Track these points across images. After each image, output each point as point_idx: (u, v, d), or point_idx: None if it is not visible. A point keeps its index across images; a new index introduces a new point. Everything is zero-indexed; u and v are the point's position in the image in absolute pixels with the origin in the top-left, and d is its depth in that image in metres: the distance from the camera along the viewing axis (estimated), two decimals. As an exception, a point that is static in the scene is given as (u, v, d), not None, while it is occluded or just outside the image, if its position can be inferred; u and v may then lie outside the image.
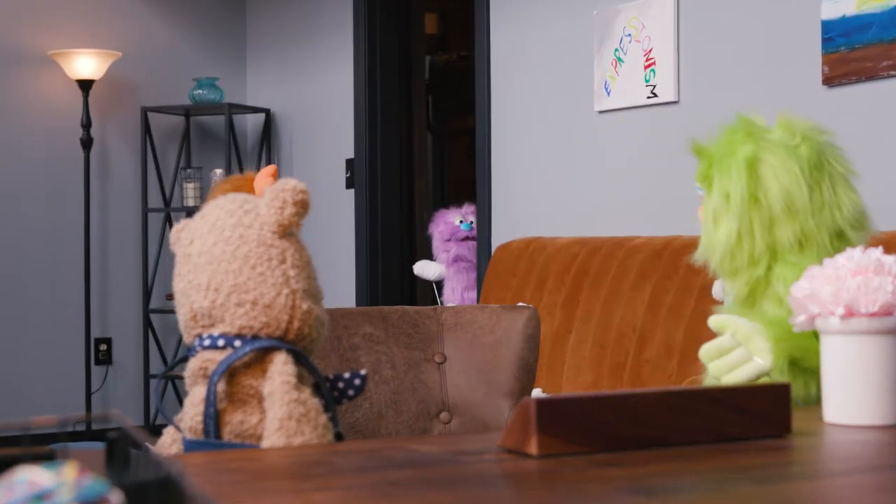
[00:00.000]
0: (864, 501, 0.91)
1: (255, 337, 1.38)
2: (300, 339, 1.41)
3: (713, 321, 1.43)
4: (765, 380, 1.37)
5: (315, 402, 1.35)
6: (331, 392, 1.43)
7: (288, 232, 1.43)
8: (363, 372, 1.46)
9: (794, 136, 1.54)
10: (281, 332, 1.39)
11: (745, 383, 1.35)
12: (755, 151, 1.50)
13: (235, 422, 1.36)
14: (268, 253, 1.40)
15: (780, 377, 1.39)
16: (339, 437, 1.41)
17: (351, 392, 1.45)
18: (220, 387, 1.36)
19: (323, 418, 1.35)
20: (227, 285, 1.39)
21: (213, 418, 1.36)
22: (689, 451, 1.10)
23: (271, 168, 1.85)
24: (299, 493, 0.94)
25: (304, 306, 1.41)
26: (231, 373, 1.37)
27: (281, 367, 1.35)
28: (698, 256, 1.55)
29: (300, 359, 1.40)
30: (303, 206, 1.41)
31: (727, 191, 1.49)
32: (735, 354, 1.39)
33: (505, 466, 1.05)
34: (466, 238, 4.51)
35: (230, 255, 1.40)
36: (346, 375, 1.45)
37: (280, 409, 1.32)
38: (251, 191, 1.89)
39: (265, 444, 1.32)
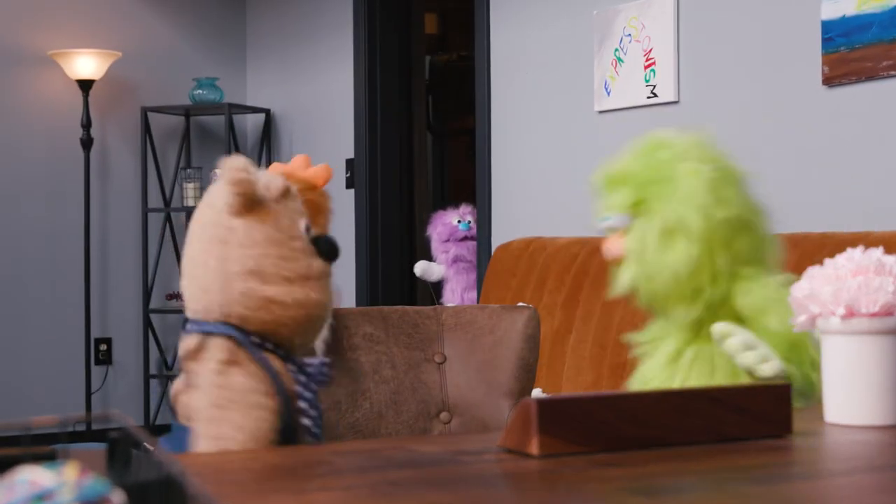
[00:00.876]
0: (864, 501, 0.91)
1: (205, 320, 1.37)
2: (246, 322, 1.36)
3: (719, 327, 1.40)
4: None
5: (245, 385, 1.31)
6: (297, 374, 1.39)
7: (243, 210, 1.37)
8: (322, 360, 1.43)
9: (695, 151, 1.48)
10: (220, 314, 1.36)
11: (770, 377, 1.34)
12: (704, 169, 1.41)
13: (184, 405, 1.37)
14: (212, 232, 1.38)
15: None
16: (317, 419, 1.37)
17: (321, 379, 1.40)
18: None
19: (257, 400, 1.31)
20: (185, 265, 1.42)
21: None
22: (690, 451, 1.10)
23: (301, 158, 1.87)
24: (300, 493, 0.94)
25: (241, 287, 1.36)
26: (184, 357, 1.38)
27: (209, 353, 1.34)
28: (628, 286, 1.42)
29: (243, 343, 1.35)
30: (236, 185, 1.36)
31: (680, 213, 1.39)
32: (764, 349, 1.38)
33: (505, 466, 1.05)
34: (465, 238, 4.51)
35: (191, 233, 1.42)
36: (313, 361, 1.41)
37: (203, 398, 1.32)
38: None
39: (198, 432, 1.32)
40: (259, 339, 1.38)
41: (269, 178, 1.43)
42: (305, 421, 1.36)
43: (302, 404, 1.36)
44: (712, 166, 1.38)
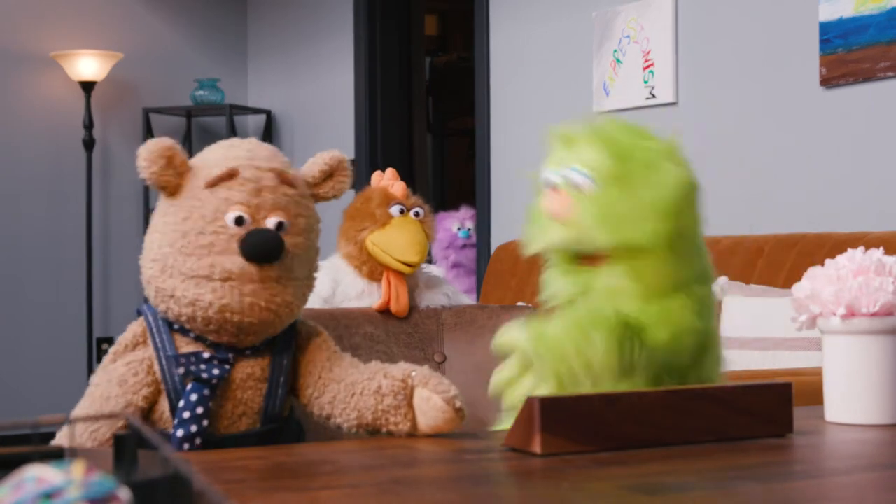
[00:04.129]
0: (865, 500, 0.92)
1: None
2: (163, 312, 1.31)
3: (498, 344, 1.29)
4: None
5: (109, 375, 1.30)
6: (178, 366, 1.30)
7: (164, 193, 1.32)
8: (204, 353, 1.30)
9: None
10: (152, 302, 1.34)
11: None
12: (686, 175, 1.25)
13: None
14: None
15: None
16: (186, 423, 1.28)
17: (206, 375, 1.29)
18: None
19: (112, 391, 1.28)
20: None
21: None
22: (692, 450, 1.10)
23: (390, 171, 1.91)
24: (305, 492, 0.95)
25: (147, 274, 1.32)
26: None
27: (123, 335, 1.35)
28: (553, 245, 1.26)
29: (151, 328, 1.32)
30: (143, 169, 1.30)
31: (660, 198, 1.22)
32: (523, 387, 1.26)
33: (509, 465, 1.06)
34: (465, 246, 4.53)
35: None
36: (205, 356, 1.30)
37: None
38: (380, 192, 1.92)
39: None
40: (181, 327, 1.32)
41: (212, 161, 1.33)
42: (180, 403, 1.28)
43: (181, 403, 1.28)
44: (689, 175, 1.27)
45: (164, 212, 1.32)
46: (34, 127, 5.23)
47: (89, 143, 5.18)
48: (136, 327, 1.35)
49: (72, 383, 5.23)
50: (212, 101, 5.41)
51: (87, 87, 5.15)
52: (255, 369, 1.32)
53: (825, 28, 3.19)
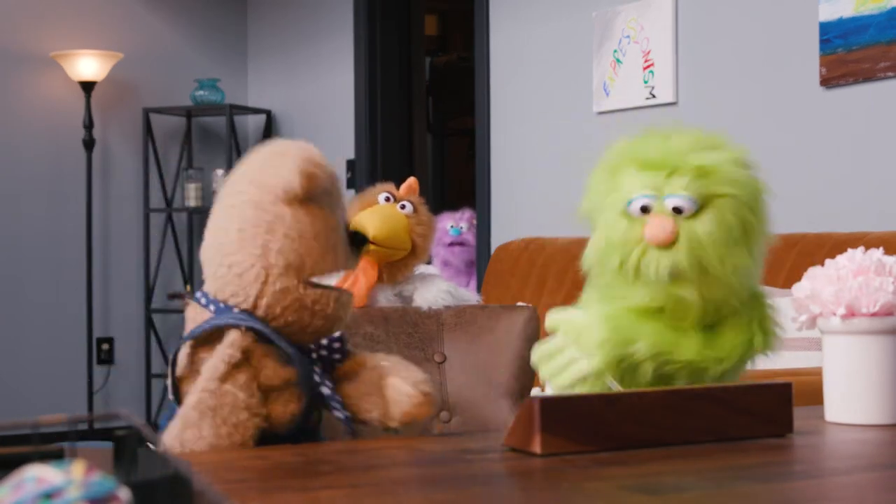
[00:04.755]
0: (865, 500, 0.92)
1: (226, 304, 1.31)
2: (273, 318, 1.30)
3: (549, 321, 1.31)
4: (592, 381, 1.24)
5: (236, 398, 1.24)
6: (310, 366, 1.32)
7: (297, 200, 1.30)
8: (338, 334, 1.35)
9: None
10: (249, 305, 1.30)
11: (570, 386, 1.28)
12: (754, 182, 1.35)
13: (185, 393, 1.29)
14: (257, 218, 1.30)
15: (610, 374, 1.25)
16: (347, 421, 1.31)
17: (337, 356, 1.34)
18: (182, 354, 1.31)
19: (240, 417, 1.24)
20: (215, 241, 1.33)
21: (174, 385, 1.31)
22: (692, 450, 1.10)
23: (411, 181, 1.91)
24: (306, 492, 0.95)
25: (278, 285, 1.29)
26: (196, 340, 1.31)
27: (222, 348, 1.26)
28: (671, 274, 1.25)
29: (264, 339, 1.29)
30: (308, 179, 1.29)
31: (747, 219, 1.28)
32: (563, 357, 1.28)
33: (509, 465, 1.06)
34: (453, 244, 4.51)
35: (228, 208, 1.33)
36: (324, 342, 1.34)
37: (191, 395, 1.26)
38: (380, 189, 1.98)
39: (171, 427, 1.26)
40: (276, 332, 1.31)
41: (331, 169, 1.36)
42: (336, 413, 1.31)
43: (325, 391, 1.31)
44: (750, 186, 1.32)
45: (295, 217, 1.33)
46: (34, 127, 5.23)
47: (89, 143, 5.18)
48: (240, 342, 1.28)
49: (72, 383, 5.23)
50: (212, 101, 5.41)
51: (87, 87, 5.15)
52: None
53: (825, 28, 3.19)
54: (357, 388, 1.35)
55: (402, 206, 2.09)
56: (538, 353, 1.31)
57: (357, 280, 2.03)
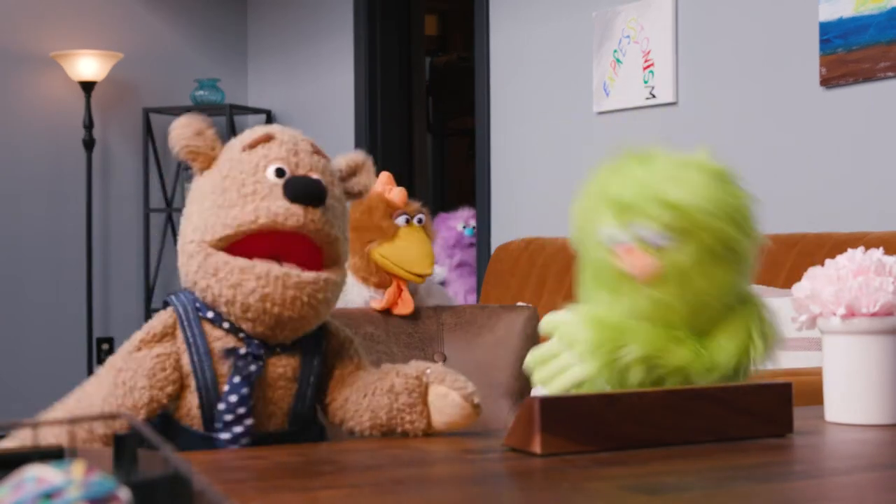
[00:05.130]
0: (865, 500, 0.92)
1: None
2: (207, 298, 1.26)
3: (543, 325, 1.31)
4: (587, 386, 1.25)
5: (141, 365, 1.25)
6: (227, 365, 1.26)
7: (195, 163, 1.29)
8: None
9: None
10: (187, 284, 1.29)
11: (565, 391, 1.28)
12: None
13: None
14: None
15: (603, 381, 1.26)
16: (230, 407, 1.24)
17: (252, 367, 1.25)
18: None
19: (139, 383, 1.24)
20: None
21: None
22: (692, 450, 1.10)
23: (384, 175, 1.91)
24: (305, 492, 0.95)
25: (189, 249, 1.26)
26: None
27: (150, 321, 1.30)
28: (655, 306, 1.28)
29: (181, 317, 1.27)
30: (173, 145, 1.29)
31: (729, 237, 1.29)
32: (557, 362, 1.28)
33: (509, 465, 1.06)
34: (471, 244, 4.54)
35: None
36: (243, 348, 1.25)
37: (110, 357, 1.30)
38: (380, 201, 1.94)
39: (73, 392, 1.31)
40: (216, 313, 1.26)
41: (244, 135, 1.32)
42: (220, 406, 1.24)
43: (226, 387, 1.25)
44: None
45: (199, 184, 1.29)
46: (34, 127, 5.23)
47: (89, 143, 5.18)
48: (165, 317, 1.29)
49: (72, 383, 5.21)
50: (212, 101, 5.41)
51: (87, 87, 5.15)
52: (286, 369, 1.28)
53: (825, 28, 3.19)
54: (396, 399, 1.27)
55: (420, 221, 2.09)
56: (531, 358, 1.31)
57: (402, 301, 2.05)
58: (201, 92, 5.41)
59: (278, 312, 1.23)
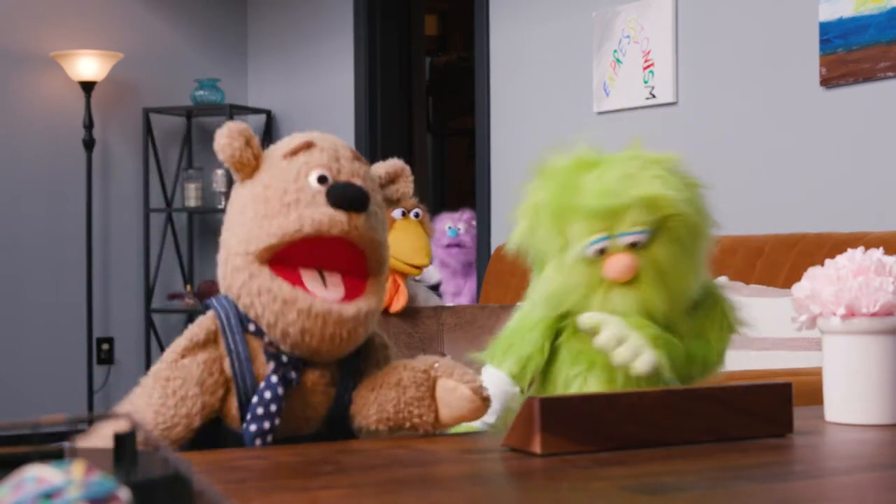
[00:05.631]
0: (865, 500, 0.92)
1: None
2: (246, 308, 1.26)
3: (588, 318, 1.32)
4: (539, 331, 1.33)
5: (189, 372, 1.25)
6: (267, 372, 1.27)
7: (243, 176, 1.28)
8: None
9: None
10: (230, 293, 1.28)
11: (644, 373, 1.29)
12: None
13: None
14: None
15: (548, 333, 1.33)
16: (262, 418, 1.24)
17: (292, 375, 1.26)
18: None
19: (190, 391, 1.24)
20: None
21: None
22: (692, 450, 1.10)
23: None
24: (306, 492, 0.95)
25: (233, 262, 1.26)
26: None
27: (190, 327, 1.29)
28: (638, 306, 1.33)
29: (223, 324, 1.27)
30: (220, 153, 1.28)
31: (699, 231, 1.36)
32: (635, 339, 1.29)
33: (509, 465, 1.06)
34: (450, 245, 4.50)
35: None
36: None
37: (153, 366, 1.29)
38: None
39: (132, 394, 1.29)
40: (258, 327, 1.27)
41: (284, 142, 1.31)
42: (254, 399, 1.25)
43: (255, 399, 1.25)
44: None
45: (241, 193, 1.29)
46: (34, 127, 5.23)
47: (89, 143, 5.18)
48: (207, 323, 1.29)
49: (72, 383, 5.24)
50: (212, 101, 5.41)
51: (87, 87, 5.15)
52: (325, 375, 1.29)
53: (825, 28, 3.19)
54: (404, 392, 1.27)
55: (416, 215, 2.09)
56: (607, 340, 1.31)
57: (398, 295, 2.04)
58: (201, 92, 5.41)
59: (317, 346, 1.24)
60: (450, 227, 4.51)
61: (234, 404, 1.28)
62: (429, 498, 0.92)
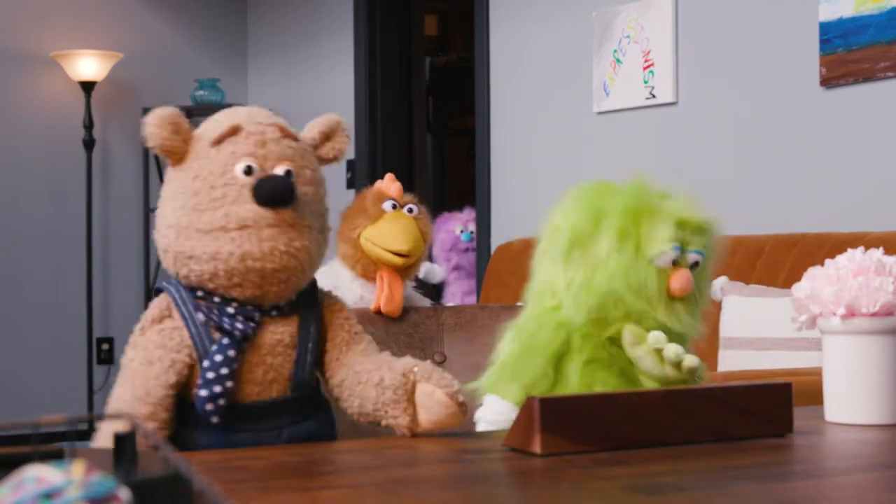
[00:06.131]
0: (864, 500, 0.92)
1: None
2: (184, 277, 1.31)
3: (657, 342, 1.33)
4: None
5: (145, 342, 1.29)
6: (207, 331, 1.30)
7: (171, 162, 1.33)
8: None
9: None
10: (172, 273, 1.34)
11: (695, 367, 1.31)
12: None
13: None
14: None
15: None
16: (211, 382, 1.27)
17: (239, 328, 1.29)
18: None
19: (155, 353, 1.27)
20: None
21: None
22: (691, 450, 1.10)
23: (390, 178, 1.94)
24: (305, 492, 0.95)
25: (163, 244, 1.32)
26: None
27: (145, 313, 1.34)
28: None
29: (176, 301, 1.31)
30: (147, 140, 1.32)
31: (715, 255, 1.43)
32: (675, 345, 1.32)
33: (509, 465, 1.06)
34: (467, 249, 4.54)
35: None
36: (228, 309, 1.30)
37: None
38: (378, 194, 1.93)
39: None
40: (206, 293, 1.30)
41: (213, 125, 1.35)
42: (204, 363, 1.27)
43: (205, 363, 1.27)
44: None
45: (173, 178, 1.33)
46: (34, 127, 5.23)
47: (89, 143, 5.18)
48: (160, 303, 1.33)
49: (72, 383, 5.23)
50: (212, 101, 5.41)
51: (87, 87, 5.15)
52: (283, 335, 1.32)
53: (825, 28, 3.19)
54: (382, 393, 1.29)
55: (410, 210, 2.09)
56: (657, 335, 1.32)
57: (392, 292, 2.03)
58: (201, 92, 5.41)
59: (261, 267, 1.27)
60: (462, 231, 4.52)
61: (198, 377, 1.30)
62: (428, 498, 0.92)
